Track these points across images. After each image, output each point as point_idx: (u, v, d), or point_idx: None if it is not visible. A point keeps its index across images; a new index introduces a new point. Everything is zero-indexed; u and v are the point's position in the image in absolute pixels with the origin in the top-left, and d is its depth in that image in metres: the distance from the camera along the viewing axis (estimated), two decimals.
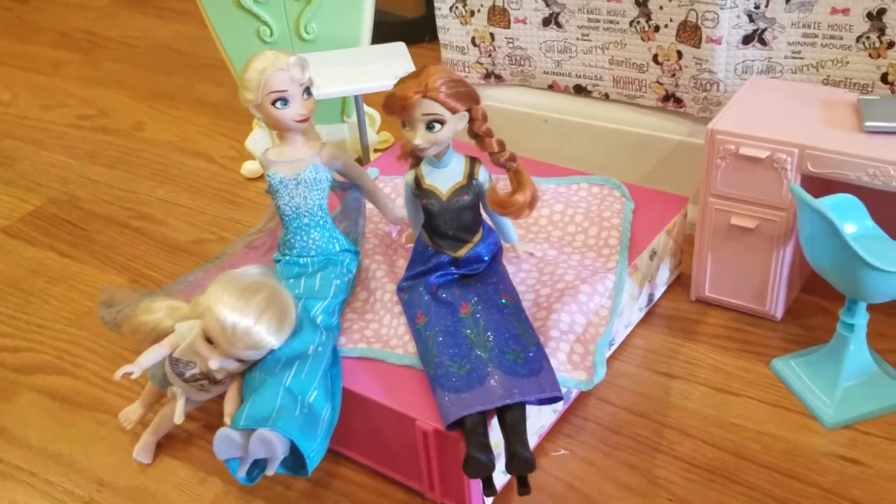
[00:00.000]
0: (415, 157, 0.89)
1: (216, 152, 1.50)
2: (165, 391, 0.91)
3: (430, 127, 0.80)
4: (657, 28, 1.08)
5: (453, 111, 0.80)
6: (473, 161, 0.86)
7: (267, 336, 0.80)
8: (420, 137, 0.81)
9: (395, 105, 0.80)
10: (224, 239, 1.25)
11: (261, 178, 1.40)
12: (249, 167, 1.41)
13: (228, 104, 1.66)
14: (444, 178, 0.86)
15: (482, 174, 0.86)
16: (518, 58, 1.20)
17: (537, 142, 1.22)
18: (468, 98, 0.81)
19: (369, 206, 1.03)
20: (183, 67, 1.84)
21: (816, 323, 1.01)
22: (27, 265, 1.24)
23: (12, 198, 1.41)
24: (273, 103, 0.86)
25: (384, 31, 1.42)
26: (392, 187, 1.10)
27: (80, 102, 1.73)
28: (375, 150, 1.42)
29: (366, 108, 1.39)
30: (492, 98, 1.23)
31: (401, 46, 1.28)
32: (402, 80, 0.81)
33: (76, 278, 1.21)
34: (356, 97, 1.25)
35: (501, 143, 0.84)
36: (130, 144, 1.55)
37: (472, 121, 0.83)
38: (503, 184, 0.86)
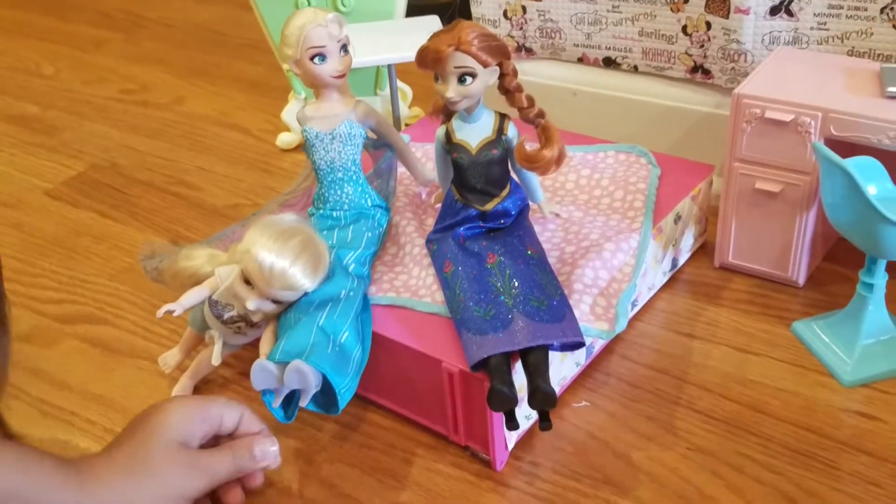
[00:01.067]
0: (446, 114, 0.92)
1: (252, 125, 1.54)
2: (204, 336, 0.94)
3: (461, 80, 0.83)
4: None
5: (485, 65, 0.83)
6: (503, 117, 0.89)
7: (302, 278, 0.83)
8: (452, 90, 0.84)
9: (427, 58, 0.83)
10: (259, 205, 1.28)
11: (295, 149, 1.44)
12: (284, 139, 1.44)
13: (265, 81, 1.70)
14: (474, 133, 0.88)
15: (511, 130, 0.89)
16: (549, 30, 1.23)
17: (566, 115, 1.25)
18: (499, 52, 0.84)
19: (401, 169, 1.06)
20: (221, 47, 1.89)
21: (838, 290, 1.02)
22: (70, 225, 1.29)
23: (55, 164, 1.46)
24: (311, 59, 0.90)
25: (416, 14, 1.46)
26: (423, 152, 1.13)
27: (121, 78, 1.78)
28: (406, 125, 1.45)
29: (399, 82, 1.42)
30: (522, 71, 1.24)
31: (434, 19, 1.31)
32: (435, 34, 0.84)
33: (118, 237, 1.25)
34: (389, 70, 1.29)
35: (531, 99, 0.87)
36: (170, 117, 1.60)
37: (502, 76, 0.86)
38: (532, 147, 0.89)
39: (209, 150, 1.47)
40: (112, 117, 1.61)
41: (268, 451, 0.71)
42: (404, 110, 1.42)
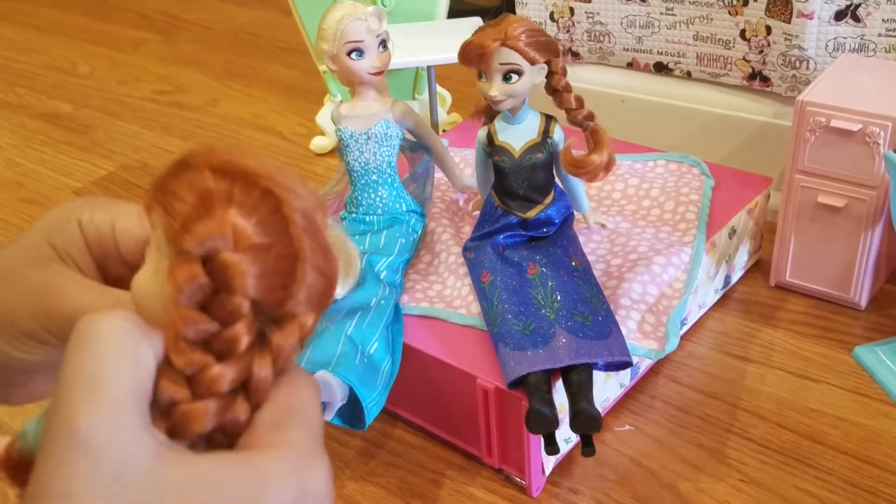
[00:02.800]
0: (488, 115, 0.87)
1: (286, 129, 1.50)
2: None
3: (506, 78, 0.78)
4: (746, 2, 1.04)
5: (532, 62, 0.78)
6: (549, 119, 0.83)
7: None
8: (496, 88, 0.79)
9: (471, 53, 0.78)
10: None
11: (329, 153, 1.39)
12: (318, 142, 1.40)
13: (301, 84, 1.66)
14: (518, 135, 0.83)
15: (558, 133, 0.83)
16: (597, 33, 1.17)
17: (614, 123, 1.18)
18: (548, 49, 0.79)
19: (438, 174, 1.01)
20: (258, 50, 1.86)
21: None
22: None
23: (86, 163, 1.43)
24: (348, 54, 0.85)
25: (458, 17, 1.41)
26: (461, 157, 1.08)
27: (156, 78, 1.75)
28: (443, 132, 1.40)
29: (438, 87, 1.38)
30: (569, 77, 1.21)
31: (476, 21, 1.26)
32: (480, 28, 0.79)
33: None
34: (428, 73, 1.24)
35: (580, 100, 0.82)
36: (204, 119, 1.56)
37: (550, 74, 0.81)
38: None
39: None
40: (145, 118, 1.58)
41: None
42: (442, 116, 1.38)
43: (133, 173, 1.39)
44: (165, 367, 0.29)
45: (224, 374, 0.29)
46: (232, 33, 1.96)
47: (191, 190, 0.29)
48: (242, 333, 0.29)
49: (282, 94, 1.64)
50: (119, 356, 0.29)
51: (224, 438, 0.31)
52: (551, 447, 0.71)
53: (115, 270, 0.37)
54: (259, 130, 1.50)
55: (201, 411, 0.29)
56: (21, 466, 0.35)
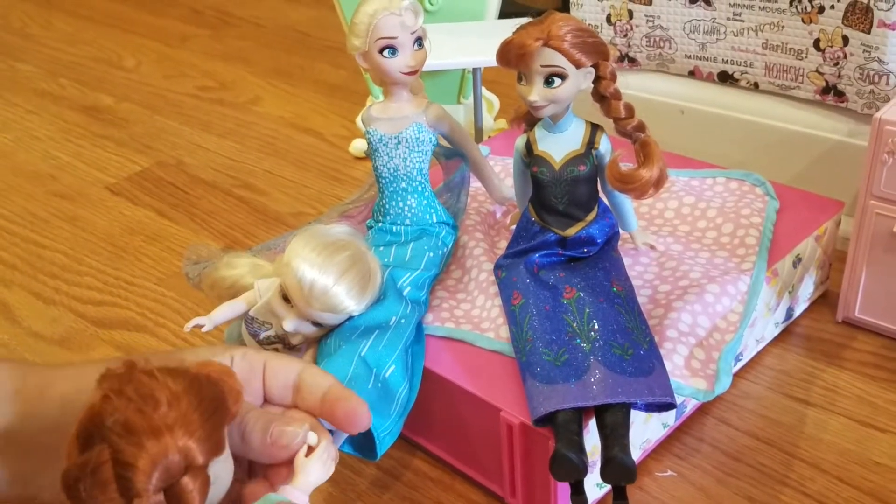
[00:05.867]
0: (528, 122, 0.79)
1: (327, 130, 1.45)
2: None
3: (549, 81, 0.71)
4: (821, 9, 0.95)
5: (577, 65, 0.70)
6: (595, 128, 0.76)
7: (346, 299, 0.72)
8: (536, 93, 0.71)
9: (511, 53, 0.71)
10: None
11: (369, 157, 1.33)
12: (358, 145, 1.34)
13: (346, 85, 1.61)
14: (560, 145, 0.75)
15: (604, 144, 0.75)
16: (657, 39, 1.09)
17: (671, 135, 1.10)
18: (596, 51, 0.71)
19: (475, 184, 0.94)
20: (306, 48, 1.81)
21: None
22: (125, 222, 1.21)
23: (122, 157, 1.40)
24: (381, 51, 0.79)
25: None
26: (502, 167, 1.01)
27: (201, 74, 1.72)
28: (489, 138, 1.33)
29: (485, 91, 1.31)
30: (623, 85, 1.13)
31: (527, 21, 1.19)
32: (522, 27, 0.72)
33: (172, 239, 1.17)
34: (474, 75, 1.17)
35: (630, 108, 0.74)
36: (244, 117, 1.52)
37: (598, 79, 0.73)
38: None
39: (279, 154, 1.38)
40: (185, 114, 1.54)
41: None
42: (488, 121, 1.31)
43: (167, 170, 1.35)
44: None
45: None
46: (282, 31, 1.92)
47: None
48: None
49: (326, 94, 1.58)
50: None
51: None
52: (579, 497, 0.63)
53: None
54: (299, 131, 1.45)
55: None
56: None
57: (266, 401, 0.45)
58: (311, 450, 0.43)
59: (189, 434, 0.33)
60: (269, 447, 0.41)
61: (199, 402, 0.34)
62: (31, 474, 0.41)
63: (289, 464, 0.43)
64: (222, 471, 0.37)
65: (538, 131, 0.76)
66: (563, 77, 0.70)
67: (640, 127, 0.74)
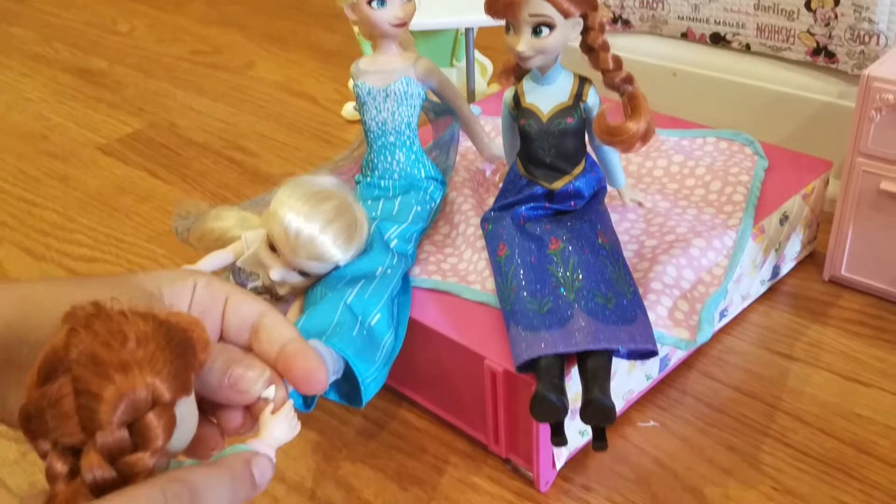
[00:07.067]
0: (517, 75, 0.79)
1: (320, 94, 1.45)
2: None
3: (536, 31, 0.71)
4: None
5: (566, 14, 0.70)
6: (583, 81, 0.76)
7: (332, 248, 0.72)
8: (524, 43, 0.71)
9: (499, 2, 0.71)
10: None
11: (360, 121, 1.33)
12: (350, 109, 1.34)
13: (340, 50, 1.61)
14: (548, 97, 0.76)
15: (592, 97, 0.75)
16: (650, 0, 1.08)
17: (664, 97, 1.10)
18: (585, 1, 0.71)
19: (465, 142, 0.94)
20: (300, 14, 1.81)
21: None
22: (116, 182, 1.21)
23: (114, 120, 1.40)
24: (369, 2, 0.79)
25: None
26: (493, 126, 1.01)
27: (195, 39, 1.71)
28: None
29: (479, 55, 1.31)
30: (616, 47, 1.12)
31: None
32: None
33: (163, 198, 1.17)
34: (467, 37, 1.17)
35: (618, 60, 0.74)
36: (238, 81, 1.52)
37: (586, 30, 0.73)
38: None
39: (271, 117, 1.38)
40: (179, 77, 1.54)
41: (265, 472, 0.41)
42: (481, 85, 1.30)
43: (159, 132, 1.35)
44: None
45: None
46: None
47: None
48: None
49: (320, 59, 1.58)
50: None
51: None
52: (558, 437, 0.64)
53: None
54: (292, 95, 1.45)
55: None
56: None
57: (222, 337, 0.42)
58: (276, 407, 0.41)
59: (157, 372, 0.32)
60: (227, 389, 0.38)
61: (167, 342, 0.33)
62: None
63: (240, 409, 0.42)
64: (188, 414, 0.35)
65: (526, 83, 0.76)
66: (551, 27, 0.70)
67: (628, 79, 0.74)
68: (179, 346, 0.34)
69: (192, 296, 0.41)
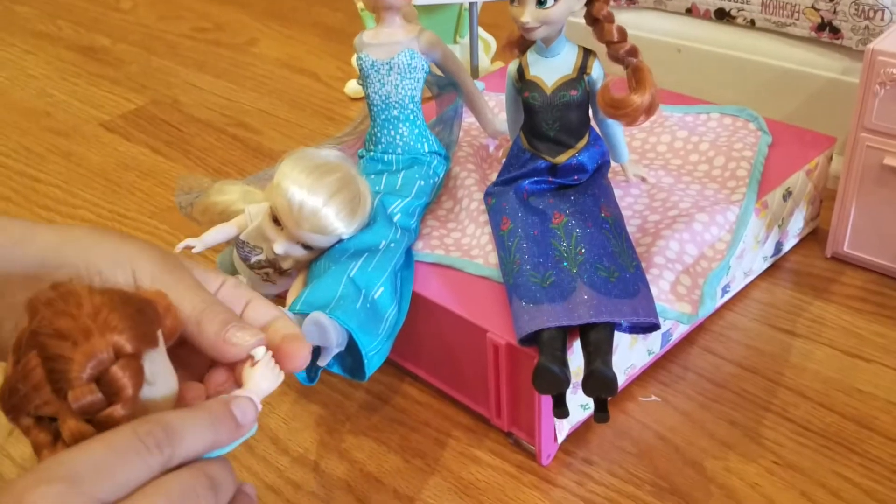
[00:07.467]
0: (521, 48, 0.79)
1: (323, 71, 1.44)
2: None
3: (541, 2, 0.70)
4: None
5: None
6: (588, 53, 0.75)
7: (335, 220, 0.72)
8: (528, 14, 0.71)
9: None
10: None
11: (363, 98, 1.33)
12: (353, 86, 1.34)
13: (342, 28, 1.60)
14: (551, 70, 0.75)
15: (596, 70, 0.75)
16: None
17: (668, 74, 1.10)
18: None
19: (469, 118, 0.94)
20: None
21: None
22: (119, 158, 1.21)
23: (116, 96, 1.39)
24: None
25: None
26: (497, 102, 1.01)
27: (197, 16, 1.71)
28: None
29: (482, 32, 1.30)
30: (620, 23, 1.12)
31: None
32: None
33: (165, 174, 1.17)
34: (471, 11, 1.17)
35: (622, 32, 0.74)
36: (240, 58, 1.51)
37: (591, 1, 0.73)
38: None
39: (274, 94, 1.37)
40: (181, 54, 1.54)
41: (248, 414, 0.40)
42: (485, 62, 1.30)
43: (162, 108, 1.35)
44: None
45: None
46: None
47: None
48: None
49: (322, 36, 1.58)
50: None
51: None
52: (560, 409, 0.64)
53: None
54: (294, 72, 1.45)
55: None
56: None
57: None
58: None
59: (113, 328, 0.34)
60: (221, 342, 0.41)
61: (123, 304, 0.35)
62: None
63: (229, 368, 0.43)
64: (162, 369, 0.37)
65: (530, 56, 0.76)
66: None
67: (633, 52, 0.74)
68: (136, 305, 0.35)
69: (220, 289, 0.45)
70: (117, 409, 0.33)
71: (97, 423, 0.33)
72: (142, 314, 0.35)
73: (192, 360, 0.43)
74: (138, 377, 0.34)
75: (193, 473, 0.33)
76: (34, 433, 0.33)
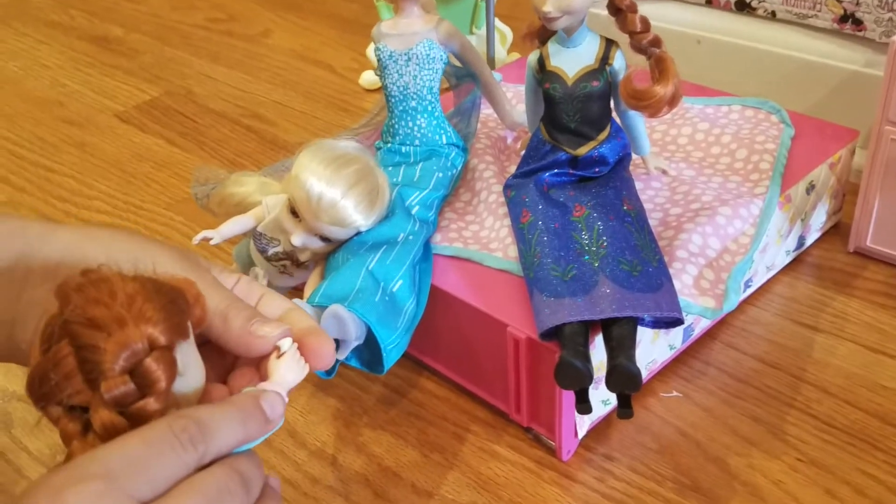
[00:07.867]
0: (541, 38, 0.78)
1: (337, 63, 1.43)
2: (248, 274, 0.84)
3: None
4: None
5: None
6: (610, 43, 0.74)
7: (354, 213, 0.71)
8: (551, 3, 0.70)
9: None
10: None
11: (379, 89, 1.32)
12: (368, 78, 1.33)
13: (358, 19, 1.59)
14: (573, 60, 0.74)
15: (619, 60, 0.74)
16: None
17: (688, 66, 1.07)
18: None
19: (487, 110, 0.93)
20: None
21: None
22: (134, 149, 1.21)
23: (130, 87, 1.39)
24: None
25: None
26: (514, 93, 1.00)
27: (210, 6, 1.70)
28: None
29: (499, 23, 1.29)
30: (641, 13, 1.11)
31: None
32: None
33: (181, 165, 1.16)
34: (487, 5, 1.15)
35: (646, 22, 0.73)
36: (254, 49, 1.50)
37: None
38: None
39: (288, 85, 1.37)
40: (195, 45, 1.53)
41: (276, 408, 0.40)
42: (501, 53, 1.29)
43: (176, 99, 1.34)
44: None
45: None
46: None
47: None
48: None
49: (338, 27, 1.57)
50: None
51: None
52: (583, 405, 0.63)
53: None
54: (309, 63, 1.44)
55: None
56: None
57: None
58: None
59: (148, 319, 0.33)
60: (247, 335, 0.41)
61: (156, 293, 0.34)
62: (13, 322, 0.40)
63: (253, 368, 0.43)
64: (192, 360, 0.36)
65: (551, 46, 0.75)
66: None
67: (656, 42, 0.73)
68: (168, 295, 0.35)
69: (235, 284, 0.46)
70: (150, 402, 0.33)
71: (129, 415, 0.32)
72: (174, 304, 0.35)
73: (214, 359, 0.43)
74: (172, 370, 0.34)
75: (226, 471, 0.33)
76: (63, 422, 0.33)
